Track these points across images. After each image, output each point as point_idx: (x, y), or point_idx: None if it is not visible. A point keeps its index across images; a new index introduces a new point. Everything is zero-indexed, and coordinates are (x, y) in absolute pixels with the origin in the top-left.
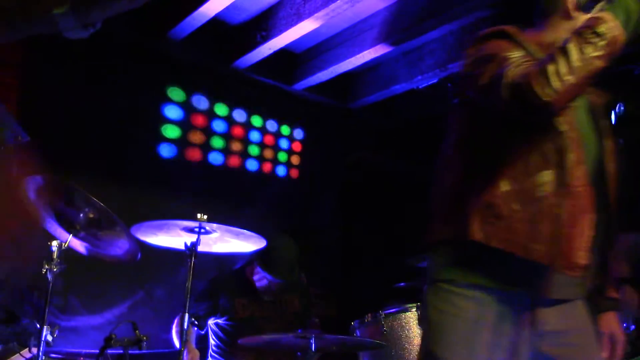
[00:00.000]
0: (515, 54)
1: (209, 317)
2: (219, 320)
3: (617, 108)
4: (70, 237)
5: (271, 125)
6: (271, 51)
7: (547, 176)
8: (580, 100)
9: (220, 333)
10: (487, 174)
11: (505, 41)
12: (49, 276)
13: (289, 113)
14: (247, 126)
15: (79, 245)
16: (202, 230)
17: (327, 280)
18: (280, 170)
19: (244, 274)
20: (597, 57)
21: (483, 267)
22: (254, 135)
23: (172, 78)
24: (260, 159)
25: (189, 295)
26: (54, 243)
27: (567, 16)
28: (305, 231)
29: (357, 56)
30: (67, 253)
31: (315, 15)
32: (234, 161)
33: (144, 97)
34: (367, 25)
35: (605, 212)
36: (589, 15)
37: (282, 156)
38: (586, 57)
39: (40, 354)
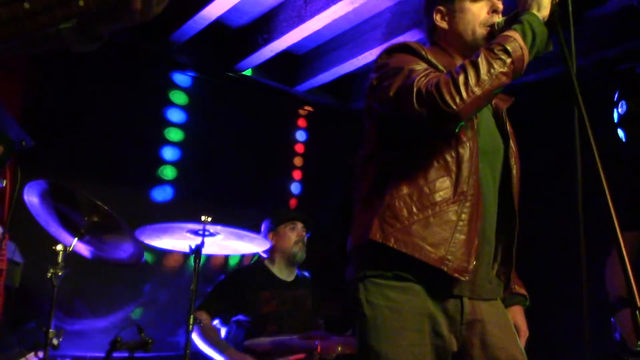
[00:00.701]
0: (421, 66)
1: (232, 313)
2: (240, 317)
3: (619, 106)
4: (75, 241)
5: (274, 128)
6: (273, 53)
7: (444, 183)
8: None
9: (239, 331)
10: (392, 180)
11: (409, 55)
12: (54, 281)
13: (291, 115)
14: (250, 128)
15: (83, 249)
16: (207, 233)
17: (332, 282)
18: (284, 172)
19: (264, 266)
20: (504, 73)
21: (396, 263)
22: (257, 138)
23: (175, 81)
24: (264, 161)
25: (194, 299)
26: (59, 247)
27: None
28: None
29: (359, 57)
30: (72, 257)
31: (317, 17)
32: (238, 163)
33: (147, 100)
34: (369, 26)
35: (509, 213)
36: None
37: (285, 158)
38: (494, 72)
39: (46, 357)
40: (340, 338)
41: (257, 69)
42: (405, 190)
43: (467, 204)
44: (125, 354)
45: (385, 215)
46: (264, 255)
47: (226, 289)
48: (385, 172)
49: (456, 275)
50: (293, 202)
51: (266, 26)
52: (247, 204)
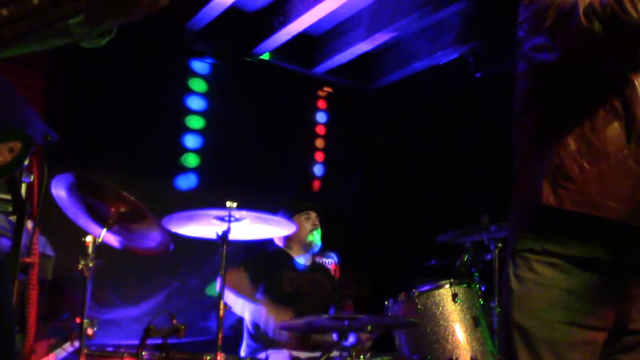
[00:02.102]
0: None
1: (257, 285)
2: (259, 296)
3: None
4: (103, 232)
5: (293, 110)
6: (289, 36)
7: (615, 129)
8: None
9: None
10: (554, 135)
11: None
12: (86, 272)
13: (311, 97)
14: (270, 112)
15: (112, 240)
16: (233, 219)
17: (359, 261)
18: (306, 154)
19: (284, 251)
20: None
21: (561, 234)
22: (277, 121)
23: (193, 69)
24: (285, 144)
25: (223, 284)
26: (88, 239)
27: None
28: (333, 213)
29: (376, 36)
30: (102, 248)
31: None
32: (260, 147)
33: (167, 89)
34: (384, 3)
35: None
36: None
37: (307, 140)
38: None
39: (82, 347)
40: (370, 317)
41: (275, 52)
42: (573, 146)
43: None
44: (159, 341)
45: (556, 178)
46: (280, 245)
47: (254, 262)
48: (545, 126)
49: None
50: (316, 184)
51: (282, 9)
52: (270, 188)
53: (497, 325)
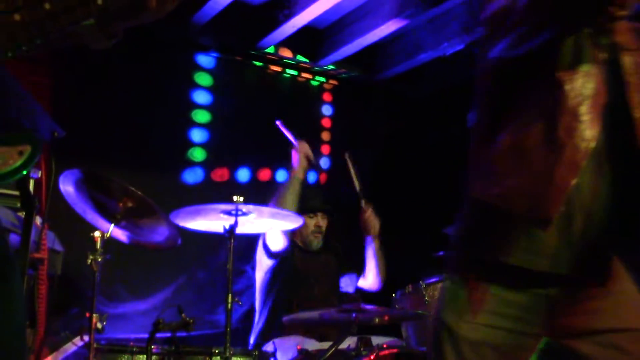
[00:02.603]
0: None
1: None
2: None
3: None
4: (111, 227)
5: (299, 103)
6: (295, 29)
7: (541, 131)
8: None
9: (272, 305)
10: (492, 135)
11: None
12: (94, 267)
13: (316, 89)
14: (275, 105)
15: (120, 235)
16: (240, 213)
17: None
18: (312, 147)
19: (290, 238)
20: None
21: (491, 233)
22: (283, 114)
23: (199, 63)
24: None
25: (231, 277)
26: (97, 234)
27: None
28: (340, 206)
29: (381, 27)
30: (110, 243)
31: None
32: (266, 141)
33: (173, 84)
34: None
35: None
36: None
37: (313, 133)
38: None
39: (92, 341)
40: (377, 309)
41: (280, 45)
42: (502, 144)
43: (561, 151)
44: (168, 334)
45: (483, 171)
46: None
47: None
48: (486, 127)
49: (539, 223)
50: (323, 177)
51: (287, 1)
52: (277, 182)
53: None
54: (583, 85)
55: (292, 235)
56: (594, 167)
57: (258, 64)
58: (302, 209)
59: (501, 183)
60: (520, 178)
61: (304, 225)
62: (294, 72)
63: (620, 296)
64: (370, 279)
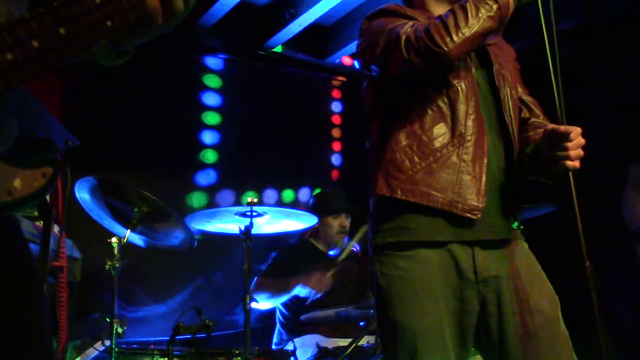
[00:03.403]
0: (404, 21)
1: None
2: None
3: None
4: (128, 233)
5: (309, 101)
6: (301, 28)
7: (441, 128)
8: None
9: (291, 302)
10: (390, 135)
11: (389, 17)
12: (112, 272)
13: (325, 87)
14: (285, 105)
15: (137, 239)
16: (254, 214)
17: None
18: (323, 145)
19: (310, 242)
20: (491, 17)
21: (404, 223)
22: (293, 113)
23: (207, 65)
24: (302, 135)
25: (248, 278)
26: (114, 240)
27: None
28: (354, 203)
29: None
30: (127, 248)
31: None
32: (277, 140)
33: (182, 87)
34: None
35: (507, 153)
36: None
37: (323, 130)
38: (482, 15)
39: (113, 346)
40: None
41: (287, 44)
42: (404, 142)
43: (468, 145)
44: (188, 336)
45: (388, 169)
46: (307, 235)
47: (280, 264)
48: (384, 129)
49: (467, 215)
50: (335, 174)
51: (292, 1)
52: (290, 180)
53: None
54: (466, 86)
55: (315, 234)
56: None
57: (266, 63)
58: (326, 210)
59: (414, 180)
60: (435, 175)
61: (327, 226)
62: (303, 70)
63: None
64: None
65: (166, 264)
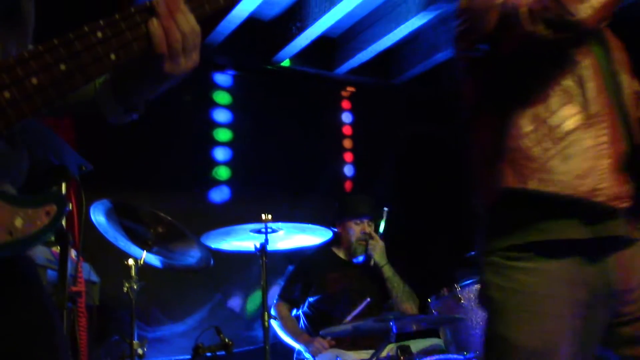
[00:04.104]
0: None
1: (305, 296)
2: (310, 299)
3: None
4: (144, 254)
5: (319, 114)
6: (308, 41)
7: (571, 109)
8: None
9: (311, 313)
10: (510, 123)
11: None
12: (131, 294)
13: (334, 98)
14: (296, 118)
15: (154, 260)
16: (269, 230)
17: (398, 257)
18: (335, 156)
19: (331, 250)
20: None
21: (534, 220)
22: (304, 126)
23: (216, 82)
24: (314, 148)
25: (265, 295)
26: (130, 261)
27: None
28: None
29: (395, 31)
30: (144, 268)
31: None
32: (289, 154)
33: (193, 105)
34: None
35: (630, 140)
36: None
37: (335, 142)
38: None
39: None
40: (415, 317)
41: (295, 58)
42: (528, 127)
43: (603, 125)
44: (208, 354)
45: (515, 159)
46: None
47: (296, 276)
48: (500, 117)
49: (615, 203)
50: (348, 185)
51: (298, 14)
52: (303, 193)
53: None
54: (591, 63)
55: (338, 241)
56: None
57: (275, 78)
58: (349, 215)
59: (547, 169)
60: (571, 161)
61: (348, 232)
62: (311, 83)
63: None
64: (399, 308)
65: (183, 283)
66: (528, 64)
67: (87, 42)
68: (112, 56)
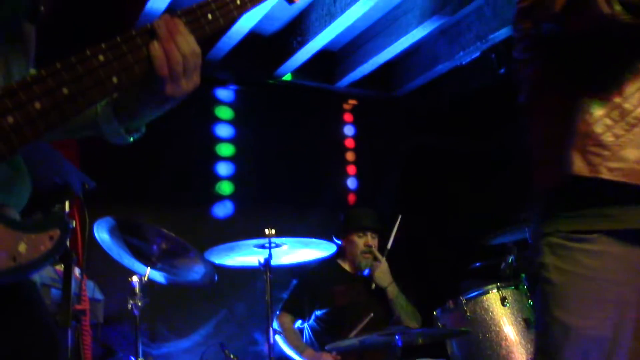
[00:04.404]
0: None
1: (312, 309)
2: (317, 312)
3: None
4: (148, 270)
5: (321, 127)
6: (309, 55)
7: None
8: None
9: (318, 326)
10: (578, 106)
11: None
12: (135, 311)
13: (336, 111)
14: (298, 131)
15: (158, 276)
16: (273, 245)
17: (402, 269)
18: (338, 169)
19: (336, 263)
20: None
21: (604, 208)
22: (306, 139)
23: (218, 97)
24: (317, 161)
25: (269, 310)
26: (134, 278)
27: None
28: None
29: (395, 44)
30: (148, 285)
31: (347, 12)
32: (292, 168)
33: (195, 121)
34: (400, 11)
35: None
36: None
37: (337, 155)
38: None
39: None
40: (420, 330)
41: (296, 72)
42: (600, 111)
43: None
44: None
45: (585, 145)
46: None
47: (302, 289)
48: (565, 100)
49: None
50: (351, 198)
51: (299, 29)
52: (307, 207)
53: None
54: None
55: (342, 253)
56: None
57: (276, 92)
58: (352, 227)
59: (621, 157)
60: None
61: (352, 244)
62: (313, 97)
63: None
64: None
65: (188, 299)
66: (600, 45)
67: (89, 65)
68: (114, 79)
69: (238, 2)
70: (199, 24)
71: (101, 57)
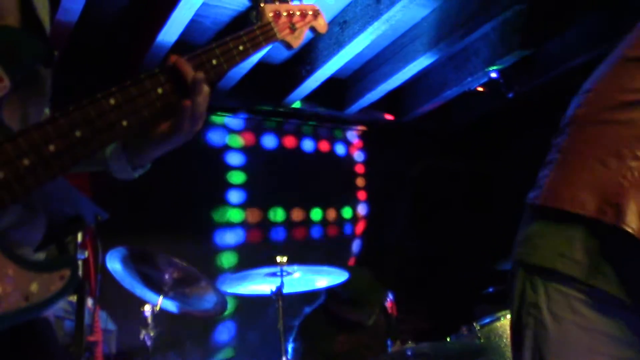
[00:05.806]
0: None
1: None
2: None
3: None
4: (160, 299)
5: (332, 153)
6: (318, 83)
7: None
8: None
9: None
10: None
11: None
12: (147, 341)
13: (346, 138)
14: (308, 159)
15: (170, 305)
16: (285, 273)
17: (415, 295)
18: (349, 195)
19: (330, 312)
20: None
21: (620, 270)
22: (316, 166)
23: (229, 126)
24: (327, 187)
25: (283, 338)
26: (147, 308)
27: None
28: (383, 249)
29: (404, 71)
30: (161, 314)
31: (355, 40)
32: (303, 195)
33: (206, 150)
34: (408, 39)
35: None
36: None
37: (348, 181)
38: None
39: None
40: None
41: (305, 100)
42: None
43: None
44: None
45: None
46: None
47: (301, 338)
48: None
49: None
50: (361, 225)
51: (307, 57)
52: (318, 233)
53: None
54: None
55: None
56: None
57: (286, 120)
58: (347, 306)
59: None
60: None
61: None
62: (322, 123)
63: None
64: None
65: (200, 327)
66: None
67: (100, 108)
68: (124, 122)
69: (241, 47)
70: (204, 69)
71: (112, 101)
